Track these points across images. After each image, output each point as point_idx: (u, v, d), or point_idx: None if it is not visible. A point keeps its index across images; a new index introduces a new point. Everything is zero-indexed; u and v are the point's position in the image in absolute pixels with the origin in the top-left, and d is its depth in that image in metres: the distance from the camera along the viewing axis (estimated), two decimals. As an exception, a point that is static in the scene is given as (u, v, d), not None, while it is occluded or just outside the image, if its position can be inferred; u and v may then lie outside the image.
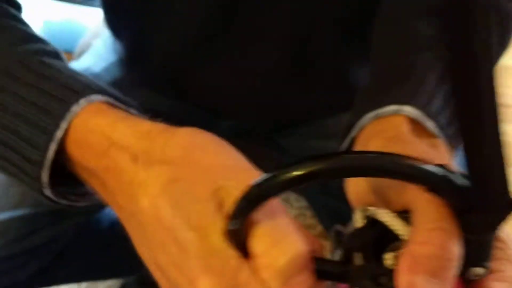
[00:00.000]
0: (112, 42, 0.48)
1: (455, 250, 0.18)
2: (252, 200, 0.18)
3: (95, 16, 0.94)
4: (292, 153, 0.47)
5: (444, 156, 0.24)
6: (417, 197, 0.19)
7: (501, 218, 0.17)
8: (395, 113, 0.24)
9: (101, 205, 0.53)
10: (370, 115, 0.25)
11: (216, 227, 0.19)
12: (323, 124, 0.45)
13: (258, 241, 0.18)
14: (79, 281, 0.62)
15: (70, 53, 0.64)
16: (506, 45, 0.31)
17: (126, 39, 0.45)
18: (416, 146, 0.23)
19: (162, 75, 0.45)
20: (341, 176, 0.19)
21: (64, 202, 0.27)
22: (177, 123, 0.23)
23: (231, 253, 0.19)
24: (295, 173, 0.16)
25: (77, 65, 0.52)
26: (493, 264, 0.20)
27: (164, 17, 0.39)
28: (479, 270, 0.19)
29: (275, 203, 0.19)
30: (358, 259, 0.20)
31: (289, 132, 0.47)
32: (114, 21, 0.46)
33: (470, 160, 0.16)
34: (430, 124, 0.24)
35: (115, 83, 0.46)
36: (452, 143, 0.25)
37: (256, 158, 0.22)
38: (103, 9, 0.46)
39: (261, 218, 0.18)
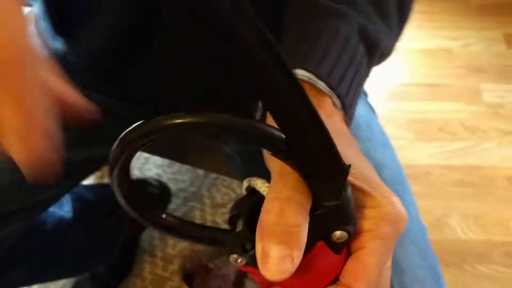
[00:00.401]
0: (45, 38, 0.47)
1: (295, 217, 0.18)
2: (124, 147, 0.18)
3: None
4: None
5: (328, 115, 0.25)
6: (272, 166, 0.20)
7: (340, 183, 0.18)
8: None
9: (45, 205, 0.53)
10: None
11: None
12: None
13: None
14: (30, 284, 0.62)
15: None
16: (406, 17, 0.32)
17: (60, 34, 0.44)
18: None
19: (93, 74, 0.45)
20: (197, 130, 0.18)
21: None
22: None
23: None
24: (165, 122, 0.17)
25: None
26: (367, 223, 0.20)
27: (93, 17, 0.39)
28: (341, 234, 0.19)
29: None
30: (239, 226, 0.20)
31: None
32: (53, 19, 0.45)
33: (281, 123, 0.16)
34: (321, 85, 0.25)
35: None
36: (344, 101, 0.26)
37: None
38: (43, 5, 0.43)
39: None
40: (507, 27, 1.22)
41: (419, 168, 0.95)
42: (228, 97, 0.44)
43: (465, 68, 1.13)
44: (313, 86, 0.25)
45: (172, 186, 0.90)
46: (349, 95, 0.27)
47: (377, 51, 0.30)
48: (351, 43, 0.28)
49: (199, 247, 0.79)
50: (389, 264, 0.22)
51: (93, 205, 0.66)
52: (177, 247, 0.84)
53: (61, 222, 0.59)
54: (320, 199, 0.19)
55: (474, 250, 0.84)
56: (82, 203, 0.64)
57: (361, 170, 0.21)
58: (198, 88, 0.44)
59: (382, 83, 1.11)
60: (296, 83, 0.15)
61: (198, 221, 0.87)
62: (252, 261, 0.19)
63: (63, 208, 0.61)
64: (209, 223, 0.74)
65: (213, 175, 0.92)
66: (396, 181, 0.42)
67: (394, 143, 0.49)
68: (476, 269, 0.81)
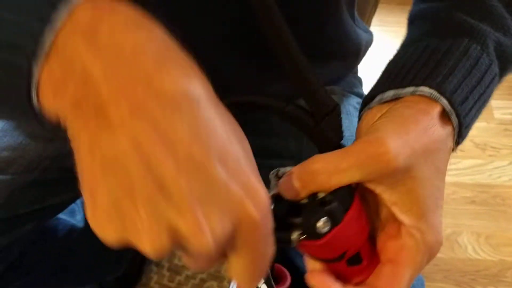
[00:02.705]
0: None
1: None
2: None
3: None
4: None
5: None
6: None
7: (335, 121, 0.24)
8: (412, 94, 0.24)
9: (56, 210, 0.53)
10: (390, 93, 0.25)
11: None
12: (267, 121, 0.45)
13: None
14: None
15: None
16: None
17: None
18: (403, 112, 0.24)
19: None
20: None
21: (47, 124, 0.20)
22: None
23: None
24: None
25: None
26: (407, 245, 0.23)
27: None
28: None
29: None
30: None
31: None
32: None
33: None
34: (443, 102, 0.24)
35: None
36: (462, 121, 0.25)
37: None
38: None
39: None
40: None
41: (429, 184, 0.95)
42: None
43: (475, 85, 1.13)
44: (432, 100, 0.25)
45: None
46: (468, 116, 0.26)
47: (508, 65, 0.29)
48: (481, 63, 0.27)
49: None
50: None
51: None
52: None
53: (72, 230, 0.59)
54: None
55: (486, 270, 0.82)
56: (94, 213, 0.64)
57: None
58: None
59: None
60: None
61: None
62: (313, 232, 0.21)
63: (75, 217, 0.61)
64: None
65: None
66: None
67: None
68: (489, 290, 0.80)
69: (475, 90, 0.26)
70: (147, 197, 0.16)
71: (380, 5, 0.75)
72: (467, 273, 0.82)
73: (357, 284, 0.24)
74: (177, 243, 0.17)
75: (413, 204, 0.23)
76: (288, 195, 0.22)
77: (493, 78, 0.28)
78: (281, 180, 0.22)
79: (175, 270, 0.82)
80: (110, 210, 0.17)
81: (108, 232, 0.18)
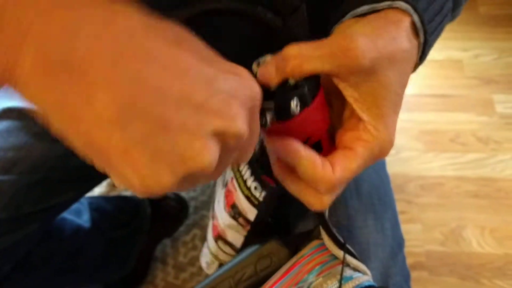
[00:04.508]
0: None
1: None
2: None
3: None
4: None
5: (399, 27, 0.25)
6: None
7: None
8: (388, 7, 0.26)
9: (61, 208, 0.52)
10: (366, 7, 0.26)
11: None
12: None
13: None
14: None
15: None
16: None
17: None
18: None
19: None
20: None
21: None
22: None
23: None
24: None
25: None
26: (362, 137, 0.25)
27: None
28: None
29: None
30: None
31: None
32: None
33: None
34: (415, 18, 0.26)
35: None
36: (428, 39, 0.27)
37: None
38: None
39: None
40: (518, 38, 1.22)
41: (432, 179, 0.95)
42: None
43: (476, 79, 1.13)
44: (405, 13, 0.26)
45: (184, 195, 0.90)
46: (433, 35, 0.27)
47: (458, 8, 0.31)
48: None
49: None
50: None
51: (111, 215, 0.66)
52: (189, 255, 0.84)
53: (78, 230, 0.59)
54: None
55: (491, 264, 0.83)
56: (100, 213, 0.64)
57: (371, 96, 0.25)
58: None
59: (393, 93, 1.11)
60: None
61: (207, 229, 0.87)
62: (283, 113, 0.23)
63: (82, 217, 0.61)
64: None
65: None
66: (373, 195, 0.42)
67: (406, 153, 0.49)
68: (494, 284, 0.80)
69: (438, 14, 0.28)
70: (179, 123, 0.17)
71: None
72: (472, 267, 0.82)
73: None
74: (222, 143, 0.19)
75: (373, 103, 0.25)
76: (263, 80, 0.24)
77: (448, 11, 0.29)
78: (259, 68, 0.24)
79: (180, 268, 0.82)
80: (153, 158, 0.17)
81: (165, 179, 0.18)
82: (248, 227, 0.40)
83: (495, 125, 1.04)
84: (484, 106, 1.07)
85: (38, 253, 0.52)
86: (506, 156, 0.98)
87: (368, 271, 0.32)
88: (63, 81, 0.17)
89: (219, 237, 0.44)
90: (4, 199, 0.42)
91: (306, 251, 0.35)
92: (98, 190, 0.89)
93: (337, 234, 0.32)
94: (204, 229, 0.86)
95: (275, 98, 0.24)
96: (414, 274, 0.81)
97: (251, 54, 0.25)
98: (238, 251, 0.43)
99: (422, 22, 0.26)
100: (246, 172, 0.39)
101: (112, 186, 0.89)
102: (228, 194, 0.42)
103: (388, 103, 0.25)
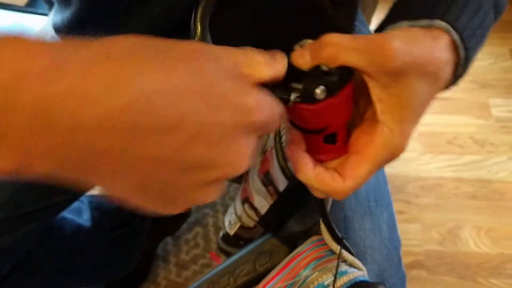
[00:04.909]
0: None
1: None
2: None
3: (38, 23, 0.92)
4: None
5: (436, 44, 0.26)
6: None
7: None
8: (428, 26, 0.26)
9: (61, 207, 0.53)
10: (405, 23, 0.26)
11: None
12: None
13: None
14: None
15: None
16: None
17: None
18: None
19: None
20: None
21: None
22: None
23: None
24: None
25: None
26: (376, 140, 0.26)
27: (143, 9, 0.37)
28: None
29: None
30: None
31: None
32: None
33: None
34: (454, 35, 0.26)
35: None
36: (469, 56, 0.27)
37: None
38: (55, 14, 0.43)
39: None
40: (514, 43, 1.24)
41: (430, 180, 0.96)
42: None
43: (472, 83, 1.15)
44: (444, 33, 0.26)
45: (186, 194, 0.90)
46: (474, 51, 0.28)
47: (498, 17, 0.31)
48: (484, 8, 0.28)
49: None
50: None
51: (112, 215, 0.66)
52: (191, 253, 0.84)
53: (79, 230, 0.59)
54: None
55: (487, 263, 0.84)
56: (101, 213, 0.64)
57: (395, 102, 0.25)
58: None
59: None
60: None
61: (211, 228, 0.88)
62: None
63: (82, 217, 0.61)
64: (221, 231, 0.75)
65: (225, 183, 0.92)
66: (370, 197, 0.43)
67: (405, 155, 0.50)
68: (490, 283, 0.81)
69: (480, 28, 0.28)
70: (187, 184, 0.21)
71: (379, 5, 0.76)
72: (469, 266, 0.83)
73: (322, 160, 0.28)
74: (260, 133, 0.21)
75: (395, 107, 0.25)
76: (297, 62, 0.24)
77: (491, 22, 0.29)
78: (296, 49, 0.25)
79: (182, 266, 0.82)
80: (165, 206, 0.22)
81: (176, 211, 0.22)
82: (275, 197, 0.41)
83: (491, 128, 1.05)
84: (480, 109, 1.09)
85: (39, 253, 0.52)
86: (501, 158, 1.00)
87: (363, 268, 0.33)
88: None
89: (247, 200, 0.45)
90: (3, 197, 0.43)
91: (302, 247, 0.35)
92: (98, 189, 0.89)
93: (335, 229, 0.33)
94: (206, 227, 0.86)
95: (303, 81, 0.24)
96: (413, 273, 0.82)
97: (292, 37, 0.26)
98: (261, 218, 0.44)
99: (462, 39, 0.26)
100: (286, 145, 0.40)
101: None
102: (264, 161, 0.42)
103: (410, 110, 0.25)
